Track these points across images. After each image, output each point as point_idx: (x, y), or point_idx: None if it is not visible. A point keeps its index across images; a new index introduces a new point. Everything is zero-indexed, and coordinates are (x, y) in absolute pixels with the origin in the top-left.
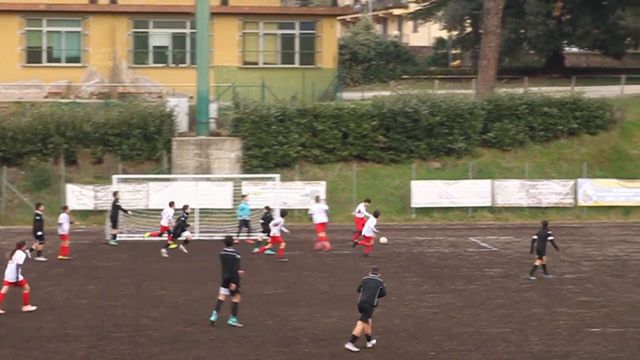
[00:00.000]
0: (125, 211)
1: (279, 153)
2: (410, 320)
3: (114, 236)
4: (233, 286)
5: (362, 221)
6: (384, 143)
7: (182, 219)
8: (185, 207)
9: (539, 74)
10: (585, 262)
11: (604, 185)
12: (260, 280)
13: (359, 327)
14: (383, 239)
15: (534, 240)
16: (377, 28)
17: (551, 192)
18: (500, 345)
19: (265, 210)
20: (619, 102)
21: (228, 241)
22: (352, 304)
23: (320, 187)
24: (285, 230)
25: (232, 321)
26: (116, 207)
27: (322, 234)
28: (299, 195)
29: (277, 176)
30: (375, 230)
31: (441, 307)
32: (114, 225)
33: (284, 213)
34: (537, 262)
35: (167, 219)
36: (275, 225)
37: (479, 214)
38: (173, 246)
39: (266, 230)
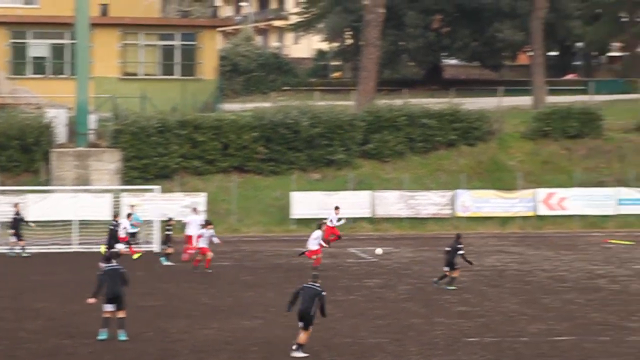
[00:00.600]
0: (27, 222)
1: (159, 164)
2: (290, 332)
3: (23, 248)
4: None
5: (331, 230)
6: (265, 154)
7: (111, 227)
8: (116, 215)
9: (419, 85)
10: (463, 273)
11: (481, 196)
12: (140, 292)
13: (302, 336)
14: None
15: (446, 252)
16: (258, 40)
17: (430, 203)
18: (379, 355)
19: (170, 222)
20: (497, 114)
21: (112, 256)
22: (232, 316)
23: (201, 199)
24: (217, 241)
25: (122, 337)
26: (17, 220)
27: (190, 245)
28: (179, 206)
29: (157, 187)
30: (321, 242)
31: (321, 318)
32: (19, 237)
33: (208, 222)
34: (448, 273)
35: (124, 230)
36: (199, 237)
37: (358, 225)
38: (136, 256)
39: (167, 241)
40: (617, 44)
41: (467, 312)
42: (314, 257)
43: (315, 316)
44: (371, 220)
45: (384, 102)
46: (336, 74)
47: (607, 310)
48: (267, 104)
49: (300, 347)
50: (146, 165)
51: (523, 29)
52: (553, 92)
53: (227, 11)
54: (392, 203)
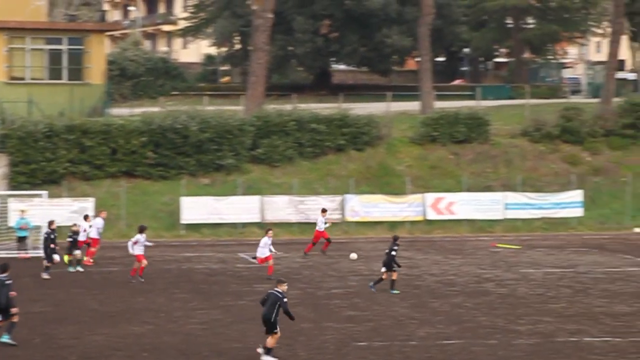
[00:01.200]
0: None
1: (47, 169)
2: (179, 337)
3: None
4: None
5: (321, 234)
6: (154, 159)
7: (47, 235)
8: (51, 222)
9: (308, 90)
10: (352, 277)
11: (370, 200)
12: (27, 298)
13: (270, 340)
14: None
15: (386, 254)
16: (147, 44)
17: (319, 207)
18: None
19: (73, 228)
20: (385, 119)
21: (2, 267)
22: (121, 321)
23: (89, 204)
24: (150, 244)
25: (4, 339)
26: None
27: (94, 249)
28: (68, 212)
29: (44, 193)
30: (272, 249)
31: (210, 323)
32: None
33: (143, 228)
34: (384, 276)
35: (84, 233)
36: (135, 242)
37: (248, 230)
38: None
39: (73, 247)
40: (503, 50)
41: (357, 317)
42: (266, 263)
43: (277, 321)
44: (261, 225)
45: (273, 107)
46: (225, 79)
47: (495, 313)
48: (155, 109)
49: (269, 351)
50: (34, 170)
51: (411, 35)
52: (441, 98)
53: (115, 15)
54: (282, 208)
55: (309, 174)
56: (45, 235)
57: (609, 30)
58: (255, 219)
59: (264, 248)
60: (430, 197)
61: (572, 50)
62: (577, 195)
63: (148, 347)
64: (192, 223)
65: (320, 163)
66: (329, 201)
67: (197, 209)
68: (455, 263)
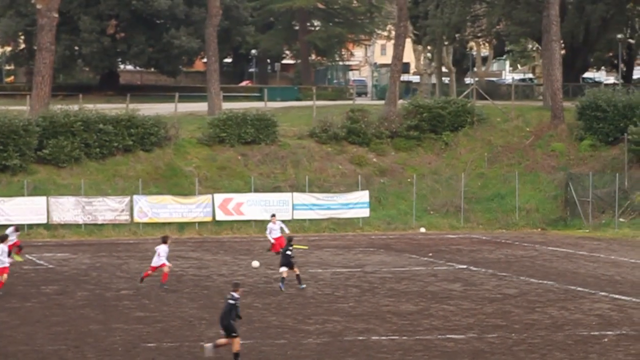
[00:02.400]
0: None
1: None
2: None
3: None
4: None
5: (280, 241)
6: None
7: None
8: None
9: (95, 91)
10: (150, 279)
11: (159, 201)
12: None
13: (233, 345)
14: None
15: (282, 255)
16: None
17: (107, 208)
18: None
19: None
20: (173, 120)
21: None
22: None
23: None
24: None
25: None
26: None
27: None
28: None
29: None
30: (164, 258)
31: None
32: None
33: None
34: (285, 274)
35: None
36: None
37: (34, 232)
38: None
39: None
40: (290, 52)
41: (146, 318)
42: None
43: (233, 324)
44: (47, 226)
45: (59, 107)
46: (9, 79)
47: (284, 313)
48: None
49: (237, 355)
50: None
51: (199, 36)
52: (229, 99)
53: None
54: (69, 209)
55: (96, 175)
56: None
57: (394, 33)
58: (42, 220)
59: (161, 257)
60: (219, 197)
61: (358, 53)
62: (363, 196)
63: None
64: None
65: (107, 164)
66: (117, 202)
67: None
68: (244, 264)
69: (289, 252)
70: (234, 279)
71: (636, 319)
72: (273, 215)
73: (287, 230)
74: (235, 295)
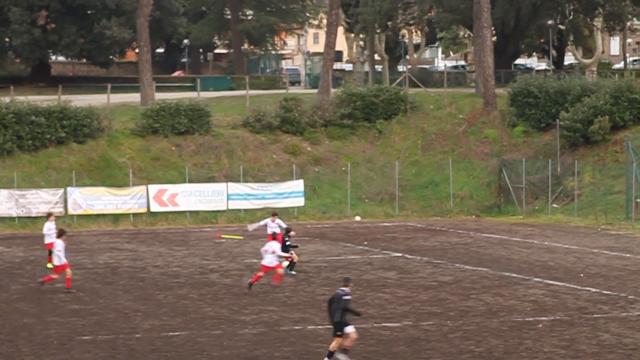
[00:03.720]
0: None
1: None
2: None
3: None
4: None
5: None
6: None
7: None
8: None
9: (26, 82)
10: (76, 271)
11: (93, 193)
12: None
13: (337, 342)
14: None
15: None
16: None
17: (41, 201)
18: None
19: None
20: (106, 111)
21: None
22: None
23: None
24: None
25: None
26: None
27: None
28: None
29: None
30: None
31: None
32: None
33: (61, 233)
34: (295, 259)
35: None
36: (60, 250)
37: None
38: None
39: None
40: (222, 42)
41: (81, 310)
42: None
43: (346, 321)
44: None
45: None
46: None
47: (220, 304)
48: None
49: (331, 354)
50: None
51: (130, 27)
52: (161, 89)
53: None
54: (2, 202)
55: (29, 167)
56: None
57: (326, 21)
58: None
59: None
60: (154, 188)
61: (291, 42)
62: (298, 185)
63: None
64: None
65: (40, 156)
66: (50, 195)
67: None
68: (179, 255)
69: (287, 242)
70: (169, 270)
71: (570, 305)
72: (274, 214)
73: (284, 225)
74: (347, 290)
